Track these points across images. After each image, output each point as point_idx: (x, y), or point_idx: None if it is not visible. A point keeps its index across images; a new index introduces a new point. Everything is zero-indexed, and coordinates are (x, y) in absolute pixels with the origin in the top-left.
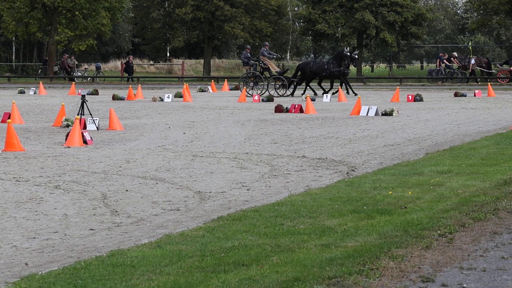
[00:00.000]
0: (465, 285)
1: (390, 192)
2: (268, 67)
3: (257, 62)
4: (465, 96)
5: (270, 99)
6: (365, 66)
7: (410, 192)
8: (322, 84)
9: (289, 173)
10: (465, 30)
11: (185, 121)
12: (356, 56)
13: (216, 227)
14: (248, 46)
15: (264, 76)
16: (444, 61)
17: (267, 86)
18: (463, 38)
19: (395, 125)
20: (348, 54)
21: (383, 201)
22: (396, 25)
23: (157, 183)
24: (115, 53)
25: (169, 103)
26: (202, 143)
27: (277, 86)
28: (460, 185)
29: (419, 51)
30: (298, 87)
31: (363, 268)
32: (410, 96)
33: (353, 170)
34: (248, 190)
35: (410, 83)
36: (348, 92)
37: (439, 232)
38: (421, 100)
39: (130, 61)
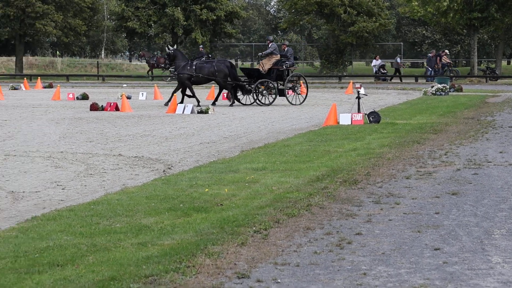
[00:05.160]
0: (279, 280)
1: (207, 190)
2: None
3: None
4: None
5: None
6: None
7: (226, 189)
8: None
9: (105, 172)
10: (278, 29)
11: None
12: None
13: (30, 227)
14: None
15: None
16: (444, 58)
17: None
18: (276, 37)
19: (211, 123)
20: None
21: (199, 198)
22: (208, 23)
23: None
24: None
25: None
26: (15, 142)
27: (262, 91)
28: (275, 182)
29: (234, 50)
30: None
31: (180, 265)
32: (226, 94)
33: (169, 168)
34: (63, 189)
35: None
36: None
37: (254, 228)
38: None
39: None
